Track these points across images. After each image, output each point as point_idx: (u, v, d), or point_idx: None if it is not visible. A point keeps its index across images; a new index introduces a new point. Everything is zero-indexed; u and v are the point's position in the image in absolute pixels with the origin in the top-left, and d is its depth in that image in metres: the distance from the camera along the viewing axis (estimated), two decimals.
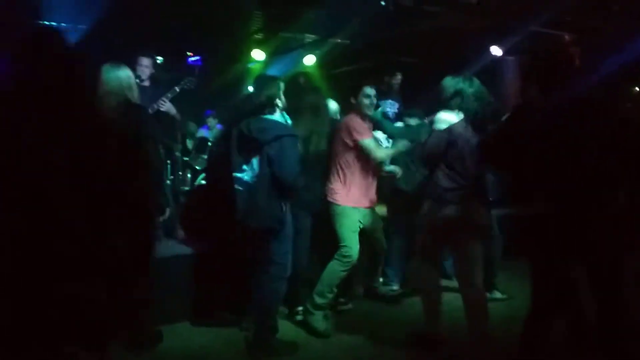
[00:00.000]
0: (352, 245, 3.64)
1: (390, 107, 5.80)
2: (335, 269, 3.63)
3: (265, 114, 3.20)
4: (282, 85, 3.31)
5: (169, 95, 4.49)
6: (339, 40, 7.12)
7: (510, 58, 7.15)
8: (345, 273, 3.65)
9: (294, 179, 3.12)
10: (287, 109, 3.39)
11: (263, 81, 3.36)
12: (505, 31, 6.29)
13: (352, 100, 3.81)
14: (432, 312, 3.35)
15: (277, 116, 3.25)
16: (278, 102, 3.24)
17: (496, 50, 6.72)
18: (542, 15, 5.57)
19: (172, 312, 3.69)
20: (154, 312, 3.35)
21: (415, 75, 6.40)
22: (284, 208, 3.19)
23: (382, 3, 5.51)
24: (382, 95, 5.22)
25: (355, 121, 3.74)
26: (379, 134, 4.30)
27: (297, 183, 3.19)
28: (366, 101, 3.77)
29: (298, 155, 3.20)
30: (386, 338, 3.55)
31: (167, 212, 3.26)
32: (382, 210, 4.42)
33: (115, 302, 3.24)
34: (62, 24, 5.66)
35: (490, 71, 7.14)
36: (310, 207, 3.71)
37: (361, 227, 3.78)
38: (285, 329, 3.63)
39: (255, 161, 3.15)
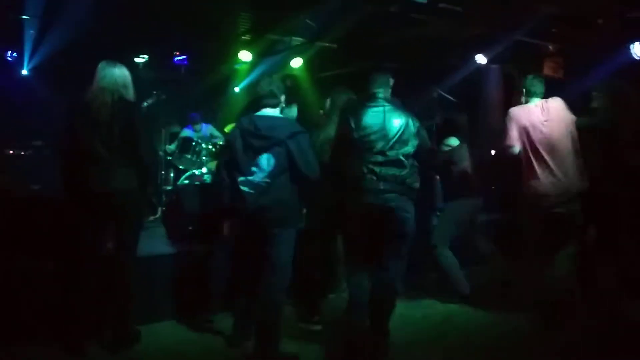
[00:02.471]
0: None
1: None
2: None
3: (265, 110, 3.09)
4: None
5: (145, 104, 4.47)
6: (327, 44, 7.14)
7: (495, 66, 7.24)
8: None
9: (316, 174, 3.03)
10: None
11: (267, 78, 3.26)
12: (490, 40, 6.39)
13: None
14: None
15: (278, 113, 3.15)
16: (282, 98, 3.14)
17: (481, 59, 6.81)
18: (527, 25, 5.68)
19: (151, 312, 3.62)
20: (135, 311, 3.27)
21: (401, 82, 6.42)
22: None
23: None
24: None
25: None
26: None
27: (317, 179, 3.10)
28: None
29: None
30: None
31: (159, 211, 3.20)
32: None
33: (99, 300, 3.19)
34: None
35: (475, 79, 7.29)
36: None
37: None
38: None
39: (264, 160, 2.99)
